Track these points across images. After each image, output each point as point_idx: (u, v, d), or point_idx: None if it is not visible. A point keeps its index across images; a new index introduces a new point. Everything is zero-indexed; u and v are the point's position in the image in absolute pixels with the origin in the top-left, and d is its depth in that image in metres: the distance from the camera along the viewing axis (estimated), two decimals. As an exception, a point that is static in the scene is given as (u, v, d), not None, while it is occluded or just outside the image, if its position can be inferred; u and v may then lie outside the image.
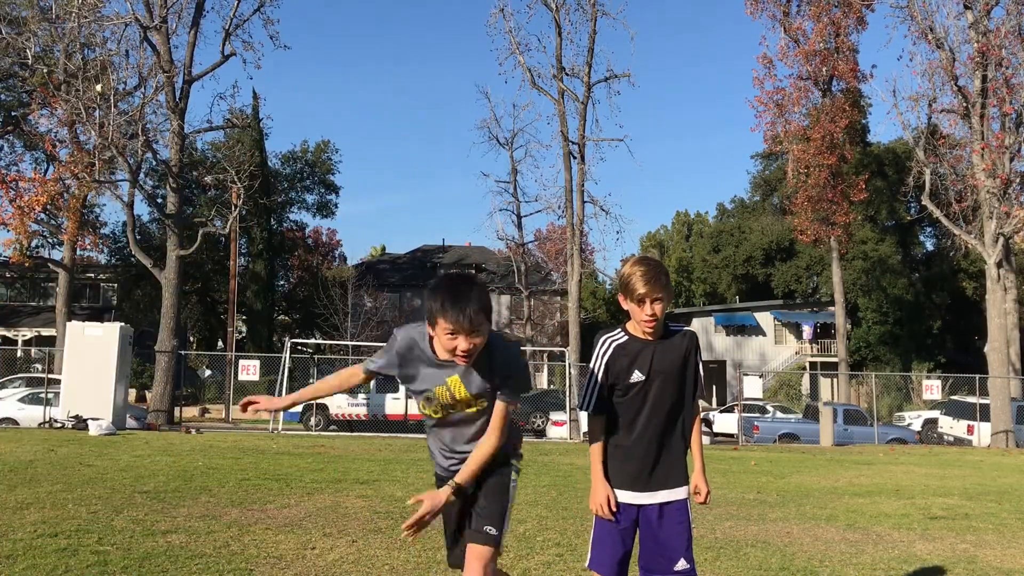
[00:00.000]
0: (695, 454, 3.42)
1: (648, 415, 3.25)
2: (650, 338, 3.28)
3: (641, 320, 3.23)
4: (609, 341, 3.31)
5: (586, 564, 3.31)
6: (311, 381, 26.42)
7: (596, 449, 3.31)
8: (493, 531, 3.11)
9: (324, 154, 51.50)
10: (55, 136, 29.93)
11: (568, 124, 26.76)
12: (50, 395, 19.23)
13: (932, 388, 27.59)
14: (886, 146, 49.28)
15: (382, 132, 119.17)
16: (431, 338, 3.08)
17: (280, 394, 21.89)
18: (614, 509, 3.21)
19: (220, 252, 43.28)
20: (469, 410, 3.14)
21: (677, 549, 3.21)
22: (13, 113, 33.79)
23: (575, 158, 26.63)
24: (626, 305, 3.26)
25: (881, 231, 49.99)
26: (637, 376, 3.24)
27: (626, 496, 3.25)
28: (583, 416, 3.47)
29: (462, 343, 2.94)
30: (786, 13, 34.43)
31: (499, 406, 3.12)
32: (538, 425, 25.97)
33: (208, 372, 39.39)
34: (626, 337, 3.30)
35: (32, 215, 29.90)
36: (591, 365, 3.33)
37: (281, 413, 21.71)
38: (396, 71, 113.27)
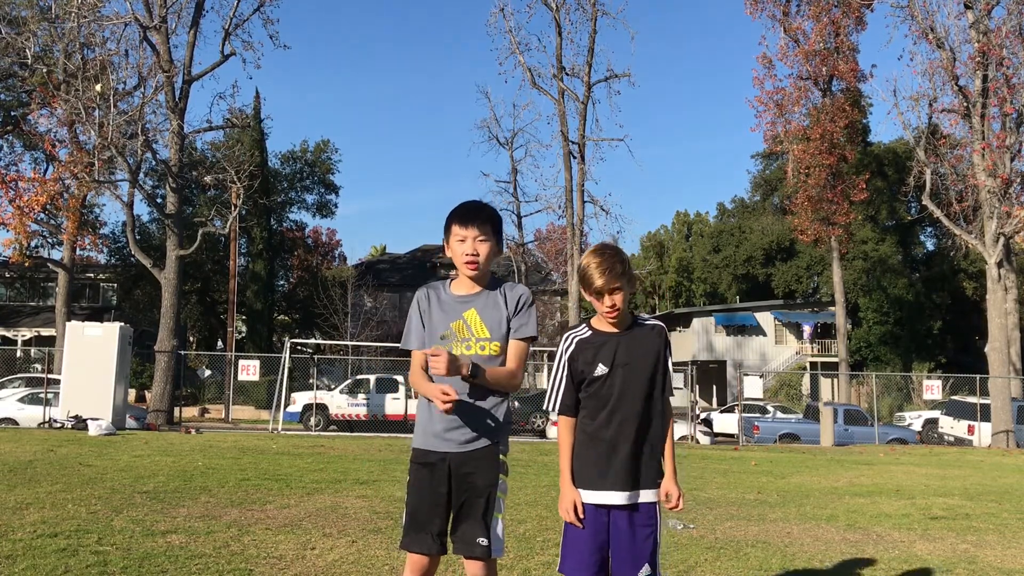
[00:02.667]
0: (667, 457, 3.26)
1: (612, 410, 3.16)
2: (615, 330, 3.22)
3: (603, 312, 3.19)
4: (571, 337, 3.25)
5: (558, 568, 3.24)
6: (311, 381, 26.49)
7: (564, 451, 3.24)
8: (484, 542, 3.18)
9: (324, 154, 51.41)
10: (55, 136, 29.94)
11: (568, 124, 26.78)
12: (50, 395, 19.21)
13: (932, 388, 27.57)
14: (886, 146, 49.27)
15: (382, 132, 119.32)
16: (448, 280, 3.38)
17: (281, 395, 21.94)
18: (581, 515, 3.14)
19: (220, 252, 43.23)
20: (483, 352, 3.25)
21: (642, 554, 3.12)
22: (13, 113, 33.76)
23: (575, 158, 26.63)
24: (588, 297, 3.21)
25: (881, 231, 49.99)
26: (600, 369, 3.17)
27: (594, 496, 3.15)
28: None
29: (468, 246, 3.23)
30: (786, 13, 34.43)
31: (517, 345, 3.31)
32: (538, 425, 25.97)
33: (208, 372, 39.36)
34: (589, 332, 3.25)
35: (32, 215, 29.89)
36: (554, 364, 3.27)
37: (281, 413, 21.71)
38: (396, 70, 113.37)
